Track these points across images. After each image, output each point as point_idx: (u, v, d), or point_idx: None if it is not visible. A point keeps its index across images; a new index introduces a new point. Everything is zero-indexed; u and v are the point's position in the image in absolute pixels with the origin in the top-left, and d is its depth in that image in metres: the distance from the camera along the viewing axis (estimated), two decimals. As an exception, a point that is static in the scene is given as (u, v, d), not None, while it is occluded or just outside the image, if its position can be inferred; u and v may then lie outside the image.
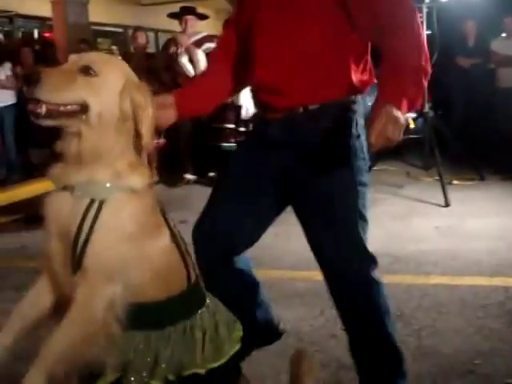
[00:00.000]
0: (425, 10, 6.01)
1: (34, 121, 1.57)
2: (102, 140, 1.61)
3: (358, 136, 2.06)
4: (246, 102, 6.78)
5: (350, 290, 2.19)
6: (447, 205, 5.60)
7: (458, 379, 2.59)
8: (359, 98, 2.10)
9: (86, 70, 1.60)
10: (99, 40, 11.75)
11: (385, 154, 5.85)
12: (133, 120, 1.64)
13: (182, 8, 7.22)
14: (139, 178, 1.67)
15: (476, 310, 3.27)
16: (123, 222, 1.63)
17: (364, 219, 2.16)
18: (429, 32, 6.08)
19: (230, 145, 6.84)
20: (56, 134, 1.68)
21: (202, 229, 2.32)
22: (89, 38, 9.51)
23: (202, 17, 7.34)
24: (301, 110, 2.07)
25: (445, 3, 6.04)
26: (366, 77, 2.12)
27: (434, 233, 4.80)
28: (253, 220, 2.30)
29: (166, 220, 1.80)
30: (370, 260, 2.23)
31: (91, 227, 1.57)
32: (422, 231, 4.79)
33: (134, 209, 1.67)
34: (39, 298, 1.77)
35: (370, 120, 1.83)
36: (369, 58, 2.12)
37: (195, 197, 6.53)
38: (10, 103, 7.64)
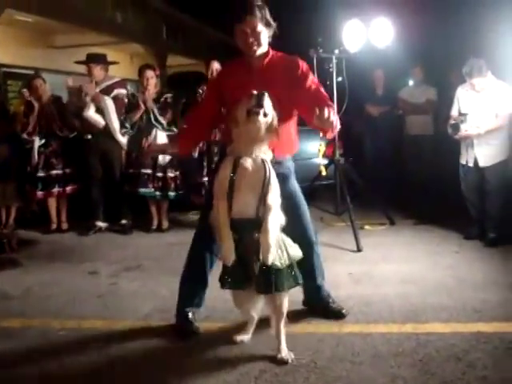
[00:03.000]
0: (334, 61, 6.16)
1: None
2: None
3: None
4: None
5: None
6: (359, 250, 5.66)
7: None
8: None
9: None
10: (9, 82, 11.40)
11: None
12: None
13: (88, 55, 7.00)
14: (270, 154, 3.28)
15: (389, 358, 3.26)
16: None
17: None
18: (339, 79, 6.24)
19: (148, 190, 6.72)
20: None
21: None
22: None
23: (111, 63, 7.19)
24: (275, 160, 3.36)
25: (353, 54, 6.20)
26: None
27: (348, 279, 4.82)
28: None
29: None
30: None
31: (269, 177, 3.15)
32: (335, 278, 4.79)
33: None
34: None
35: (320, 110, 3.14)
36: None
37: (106, 246, 6.36)
38: None
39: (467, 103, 5.76)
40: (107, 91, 6.83)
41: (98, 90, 6.80)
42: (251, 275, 3.22)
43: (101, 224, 7.03)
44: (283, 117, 3.43)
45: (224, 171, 3.19)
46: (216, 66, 6.60)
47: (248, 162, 3.15)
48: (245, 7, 3.48)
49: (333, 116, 3.13)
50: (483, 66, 5.52)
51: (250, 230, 3.16)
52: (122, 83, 7.07)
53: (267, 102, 3.17)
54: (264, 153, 3.22)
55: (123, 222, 7.01)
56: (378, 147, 8.38)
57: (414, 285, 4.58)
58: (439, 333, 3.61)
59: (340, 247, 5.80)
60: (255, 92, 3.17)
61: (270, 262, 3.12)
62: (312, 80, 3.66)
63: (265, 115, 3.16)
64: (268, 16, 3.54)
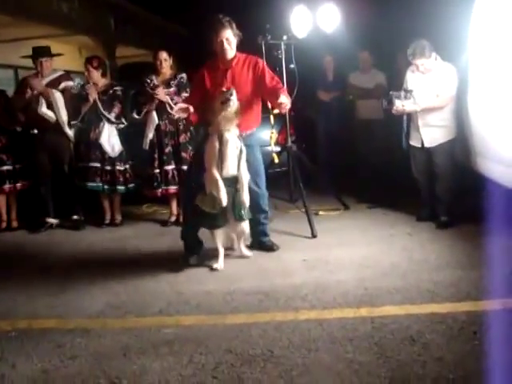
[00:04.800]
0: (283, 47, 6.14)
1: None
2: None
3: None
4: (111, 140, 6.59)
5: None
6: (314, 236, 5.67)
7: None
8: None
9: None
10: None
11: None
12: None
13: (35, 49, 6.81)
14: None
15: (345, 344, 3.26)
16: None
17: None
18: (291, 66, 6.22)
19: (96, 184, 6.60)
20: None
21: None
22: None
23: (56, 55, 7.03)
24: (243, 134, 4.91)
25: (302, 40, 6.19)
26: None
27: (302, 265, 4.82)
28: None
29: None
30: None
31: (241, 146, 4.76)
32: (290, 265, 4.80)
33: None
34: None
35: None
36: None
37: (58, 242, 6.22)
38: None
39: (413, 84, 5.81)
40: (54, 84, 6.67)
41: (44, 83, 6.63)
42: (228, 215, 4.85)
43: (52, 220, 6.88)
44: (250, 102, 4.99)
45: (213, 144, 4.69)
46: (164, 55, 6.49)
47: (229, 137, 4.67)
48: (222, 23, 4.90)
49: (287, 98, 4.75)
50: (426, 47, 5.56)
51: (233, 183, 4.74)
52: (67, 76, 6.92)
53: (233, 95, 4.65)
54: (235, 129, 4.73)
55: (75, 217, 6.86)
56: (329, 132, 8.40)
57: (369, 268, 4.61)
58: (394, 315, 3.63)
59: (295, 234, 5.80)
60: (224, 89, 4.75)
61: (246, 203, 4.81)
62: (269, 72, 5.06)
63: (233, 103, 4.65)
64: (235, 28, 4.95)
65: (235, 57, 5.03)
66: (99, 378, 3.09)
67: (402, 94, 5.77)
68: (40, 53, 6.77)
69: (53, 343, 3.57)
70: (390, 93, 5.87)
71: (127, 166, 6.74)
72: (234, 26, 4.95)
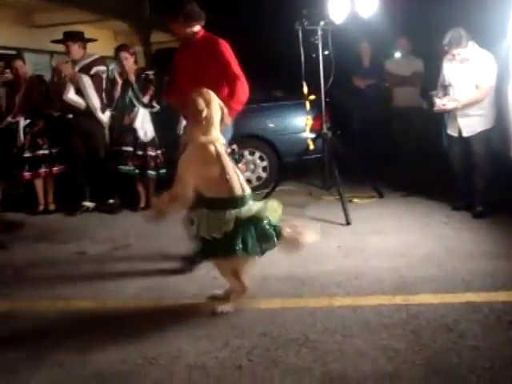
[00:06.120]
0: (320, 33, 6.09)
1: None
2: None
3: None
4: (144, 125, 6.64)
5: None
6: (348, 223, 5.65)
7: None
8: None
9: None
10: (-10, 63, 11.24)
11: (287, 174, 5.80)
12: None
13: (66, 33, 6.84)
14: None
15: (380, 330, 3.27)
16: None
17: None
18: (326, 53, 6.18)
19: (128, 168, 6.65)
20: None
21: None
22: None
23: (89, 40, 7.06)
24: None
25: (339, 26, 6.13)
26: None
27: (337, 252, 4.82)
28: None
29: None
30: None
31: None
32: (324, 251, 4.79)
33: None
34: None
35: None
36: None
37: (94, 226, 6.31)
38: None
39: (451, 74, 5.71)
40: (86, 69, 6.69)
41: (76, 68, 6.66)
42: None
43: (88, 204, 6.97)
44: (211, 82, 4.08)
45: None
46: None
47: None
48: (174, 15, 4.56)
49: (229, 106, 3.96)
50: (462, 36, 5.42)
51: None
52: (101, 60, 6.93)
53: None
54: None
55: (110, 201, 6.93)
56: (365, 120, 8.32)
57: (404, 257, 4.59)
58: (429, 304, 3.62)
59: (329, 221, 5.78)
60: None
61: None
62: (228, 57, 4.45)
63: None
64: (193, 14, 4.57)
65: (196, 34, 4.62)
66: (136, 359, 3.14)
67: (441, 91, 5.69)
68: (70, 37, 6.82)
69: (89, 323, 3.65)
70: (430, 93, 5.79)
71: (159, 152, 6.77)
72: (190, 13, 4.56)
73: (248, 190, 3.67)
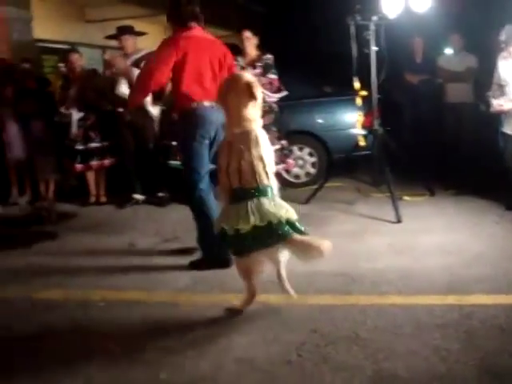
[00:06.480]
0: (372, 28, 6.02)
1: None
2: None
3: None
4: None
5: None
6: (399, 221, 5.58)
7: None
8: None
9: None
10: (45, 57, 11.45)
11: (336, 170, 5.74)
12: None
13: (119, 28, 7.01)
14: None
15: (432, 330, 3.21)
16: None
17: None
18: (377, 49, 6.11)
19: (176, 162, 6.70)
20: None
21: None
22: (33, 56, 9.25)
23: (141, 34, 7.17)
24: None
25: (392, 21, 6.04)
26: None
27: (387, 250, 4.76)
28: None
29: None
30: None
31: None
32: (375, 249, 4.75)
33: None
34: None
35: None
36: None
37: (143, 218, 6.39)
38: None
39: (506, 72, 5.58)
40: (137, 64, 6.78)
41: (128, 62, 6.76)
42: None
43: (138, 197, 7.07)
44: None
45: None
46: (246, 34, 6.50)
47: None
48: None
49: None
50: None
51: None
52: (150, 54, 7.01)
53: None
54: None
55: (160, 194, 7.02)
56: (417, 116, 8.23)
57: (455, 256, 4.51)
58: (482, 304, 3.54)
59: (378, 218, 5.72)
60: None
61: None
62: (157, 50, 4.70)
63: None
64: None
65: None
66: (186, 351, 3.16)
67: (497, 90, 5.56)
68: (124, 31, 6.93)
69: (141, 313, 3.69)
70: (486, 94, 5.67)
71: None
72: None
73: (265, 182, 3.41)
